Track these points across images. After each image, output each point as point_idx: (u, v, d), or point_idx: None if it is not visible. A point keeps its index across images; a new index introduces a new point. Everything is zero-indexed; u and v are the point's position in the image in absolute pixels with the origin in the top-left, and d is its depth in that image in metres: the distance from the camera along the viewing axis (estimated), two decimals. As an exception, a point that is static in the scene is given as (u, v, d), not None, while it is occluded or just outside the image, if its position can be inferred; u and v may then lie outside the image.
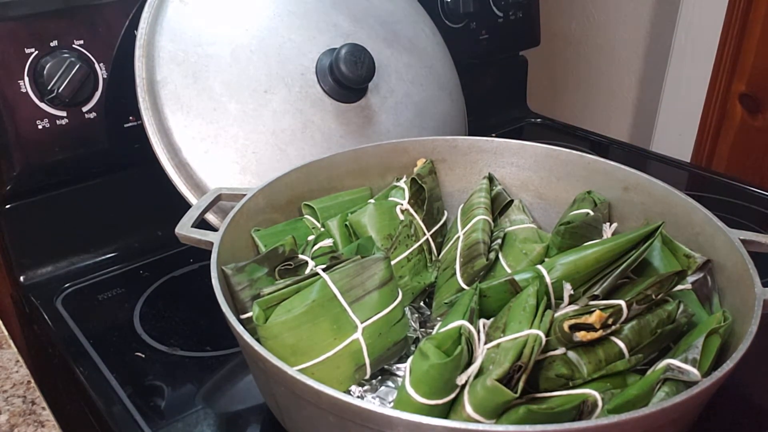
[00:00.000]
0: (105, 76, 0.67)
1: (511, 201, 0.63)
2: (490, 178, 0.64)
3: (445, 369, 0.40)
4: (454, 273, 0.56)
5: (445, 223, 0.64)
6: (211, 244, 0.50)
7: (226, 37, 0.65)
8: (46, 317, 0.64)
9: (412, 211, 0.60)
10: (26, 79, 0.62)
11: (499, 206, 0.62)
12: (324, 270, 0.48)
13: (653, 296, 0.46)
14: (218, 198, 0.58)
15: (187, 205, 0.60)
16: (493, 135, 0.67)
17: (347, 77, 0.65)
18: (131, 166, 0.71)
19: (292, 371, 0.38)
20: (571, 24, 1.22)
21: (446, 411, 0.41)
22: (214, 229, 0.52)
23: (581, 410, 0.41)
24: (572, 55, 1.25)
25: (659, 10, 1.10)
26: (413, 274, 0.59)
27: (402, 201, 0.60)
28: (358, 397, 0.47)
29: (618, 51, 1.18)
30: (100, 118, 0.67)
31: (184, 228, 0.53)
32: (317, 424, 0.41)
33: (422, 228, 0.61)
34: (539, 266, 0.50)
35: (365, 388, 0.48)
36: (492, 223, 0.59)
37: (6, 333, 0.55)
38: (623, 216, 0.60)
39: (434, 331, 0.46)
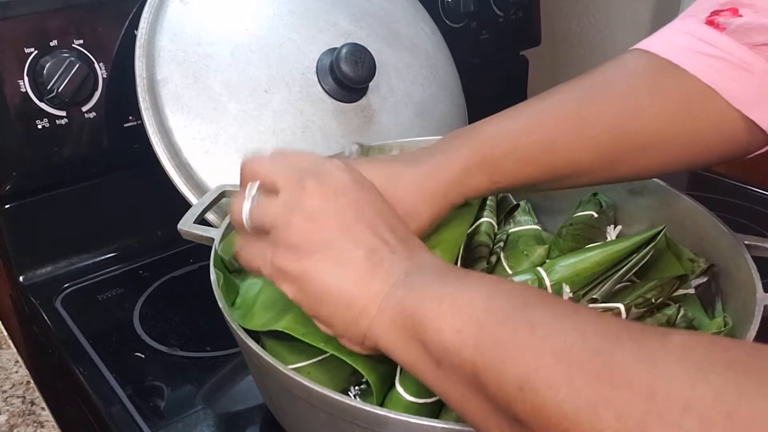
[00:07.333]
0: (105, 76, 0.66)
1: (517, 205, 0.63)
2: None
3: None
4: (454, 274, 0.56)
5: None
6: (212, 240, 0.50)
7: (226, 37, 0.65)
8: (46, 317, 0.64)
9: (412, 211, 0.60)
10: (26, 79, 0.62)
11: (504, 210, 0.62)
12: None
13: (653, 300, 0.46)
14: (222, 195, 0.57)
15: (187, 206, 0.59)
16: (494, 135, 0.67)
17: (348, 77, 0.65)
18: (131, 166, 0.71)
19: (284, 368, 0.38)
20: (572, 24, 1.22)
21: (436, 410, 0.41)
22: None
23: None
24: (572, 55, 1.25)
25: (659, 11, 1.10)
26: (413, 275, 0.58)
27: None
28: (354, 395, 0.47)
29: (618, 51, 1.17)
30: (100, 118, 0.67)
31: (187, 224, 0.53)
32: (310, 421, 0.41)
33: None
34: (539, 268, 0.50)
35: (363, 387, 0.48)
36: (496, 226, 0.59)
37: (6, 333, 0.55)
38: (629, 219, 0.60)
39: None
